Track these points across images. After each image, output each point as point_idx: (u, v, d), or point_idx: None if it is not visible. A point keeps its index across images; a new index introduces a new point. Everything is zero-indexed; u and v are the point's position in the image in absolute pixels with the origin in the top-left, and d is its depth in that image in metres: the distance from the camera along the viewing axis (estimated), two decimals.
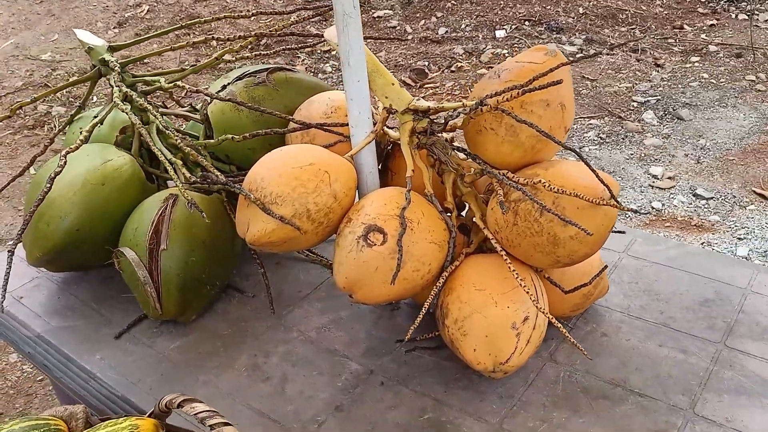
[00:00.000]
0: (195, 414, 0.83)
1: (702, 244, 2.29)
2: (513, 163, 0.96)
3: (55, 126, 3.33)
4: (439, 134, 0.99)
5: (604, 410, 0.93)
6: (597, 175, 0.85)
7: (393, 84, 1.01)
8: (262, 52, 1.25)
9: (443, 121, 0.98)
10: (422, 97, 3.10)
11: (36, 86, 3.86)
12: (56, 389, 1.43)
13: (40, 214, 1.10)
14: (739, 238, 2.35)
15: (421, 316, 0.93)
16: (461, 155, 0.98)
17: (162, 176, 1.21)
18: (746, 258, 2.23)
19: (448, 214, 1.00)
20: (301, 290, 1.20)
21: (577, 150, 0.85)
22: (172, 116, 1.26)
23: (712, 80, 3.22)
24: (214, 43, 1.04)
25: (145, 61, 3.73)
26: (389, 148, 1.11)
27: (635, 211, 0.88)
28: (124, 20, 4.37)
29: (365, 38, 1.07)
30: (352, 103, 1.00)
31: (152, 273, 1.06)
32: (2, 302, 0.95)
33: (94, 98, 3.41)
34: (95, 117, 1.15)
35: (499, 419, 0.93)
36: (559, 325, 0.88)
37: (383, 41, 3.09)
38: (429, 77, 3.19)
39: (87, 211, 1.10)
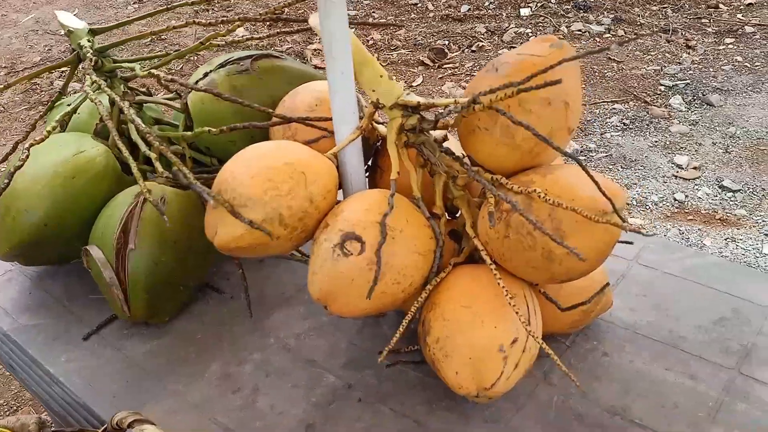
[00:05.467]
0: None
1: (726, 240, 2.17)
2: (509, 167, 0.87)
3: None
4: (429, 132, 0.90)
5: None
6: (598, 186, 0.76)
7: (382, 76, 0.92)
8: (255, 36, 1.16)
9: (434, 119, 0.89)
10: (440, 79, 2.99)
11: (53, 61, 3.81)
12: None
13: (6, 207, 1.04)
14: (766, 234, 2.22)
15: (398, 334, 0.85)
16: (451, 157, 0.89)
17: (143, 169, 1.13)
18: None
19: (437, 219, 0.91)
20: (285, 292, 1.13)
21: (577, 157, 0.76)
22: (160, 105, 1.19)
23: (747, 63, 3.05)
24: (195, 26, 0.96)
25: (162, 37, 3.65)
26: (378, 144, 1.02)
27: (638, 231, 0.78)
28: None
29: (357, 24, 0.98)
30: (336, 96, 0.91)
31: (119, 274, 0.99)
32: None
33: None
34: (69, 105, 1.08)
35: None
36: (551, 352, 0.80)
37: (384, 26, 2.98)
38: (448, 57, 3.07)
39: (56, 205, 1.03)
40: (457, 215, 0.96)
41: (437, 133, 0.94)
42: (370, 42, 3.24)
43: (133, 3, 4.23)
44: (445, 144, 0.93)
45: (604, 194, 0.75)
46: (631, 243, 0.99)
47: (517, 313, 0.80)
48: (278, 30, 1.14)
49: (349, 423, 0.90)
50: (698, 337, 0.99)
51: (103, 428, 0.84)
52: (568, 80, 0.83)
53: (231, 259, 1.11)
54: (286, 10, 1.02)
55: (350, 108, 0.91)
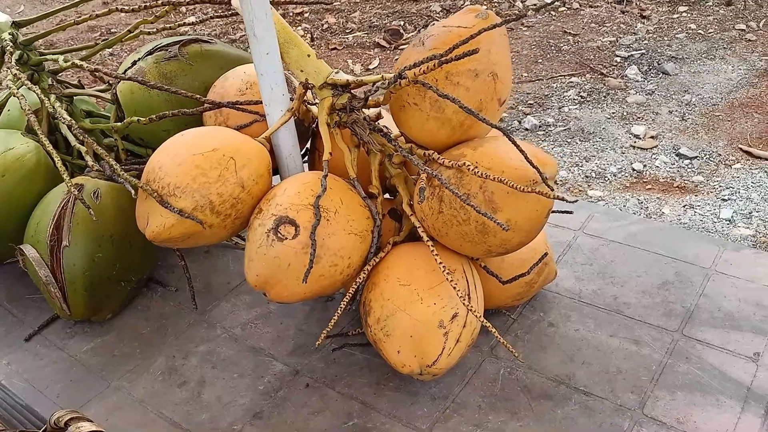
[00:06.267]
0: None
1: (684, 207, 2.19)
2: (441, 142, 0.86)
3: None
4: (360, 111, 0.89)
5: (544, 412, 0.85)
6: (526, 156, 0.75)
7: (309, 55, 0.90)
8: (186, 23, 1.13)
9: (364, 97, 0.88)
10: (396, 60, 2.96)
11: None
12: None
13: None
14: (723, 199, 2.25)
15: (336, 317, 0.84)
16: (381, 135, 0.87)
17: (76, 163, 1.11)
18: (729, 221, 2.13)
19: (374, 199, 0.90)
20: (230, 281, 1.11)
21: (503, 128, 0.75)
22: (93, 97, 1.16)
23: (700, 31, 3.07)
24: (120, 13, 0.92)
25: (113, 30, 3.57)
26: (315, 126, 1.00)
27: (563, 199, 0.78)
28: None
29: (278, 3, 0.96)
30: (263, 78, 0.89)
31: (55, 272, 0.97)
32: None
33: None
34: None
35: (430, 424, 0.85)
36: (489, 325, 0.79)
37: (320, 4, 2.94)
38: (404, 38, 3.04)
39: None
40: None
41: (372, 112, 0.93)
42: (325, 26, 3.20)
43: None
44: (380, 122, 0.92)
45: (531, 164, 0.75)
46: (570, 212, 0.99)
47: (455, 288, 0.80)
48: (211, 16, 1.11)
49: (297, 409, 0.89)
50: (642, 301, 0.99)
51: (42, 429, 0.82)
52: (495, 51, 0.82)
53: (175, 251, 1.09)
54: None
55: (279, 90, 0.89)
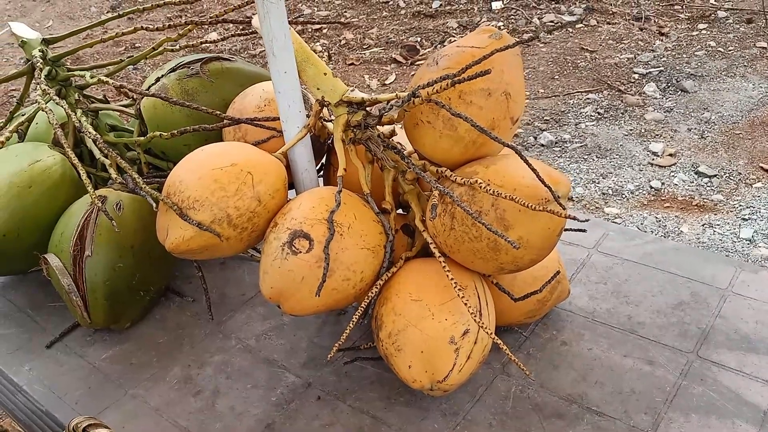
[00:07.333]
0: None
1: (703, 225, 2.18)
2: (454, 159, 0.87)
3: None
4: (374, 128, 0.90)
5: (556, 431, 0.85)
6: (537, 175, 0.76)
7: (325, 74, 0.92)
8: (208, 41, 1.16)
9: (378, 114, 0.89)
10: (413, 76, 2.99)
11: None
12: None
13: None
14: (743, 219, 2.23)
15: (348, 330, 0.85)
16: (394, 152, 0.89)
17: (100, 176, 1.13)
18: (750, 241, 2.12)
19: (387, 214, 0.92)
20: (245, 293, 1.13)
21: (515, 146, 0.76)
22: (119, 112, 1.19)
23: (720, 48, 3.06)
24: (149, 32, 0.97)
25: (136, 45, 3.64)
26: (330, 142, 1.02)
27: (574, 218, 0.78)
28: (117, 4, 4.28)
29: (298, 23, 0.98)
30: (281, 95, 0.91)
31: (77, 281, 0.99)
32: None
33: None
34: (23, 116, 1.08)
35: None
36: (500, 342, 0.80)
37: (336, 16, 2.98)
38: (421, 54, 3.07)
39: (13, 216, 1.03)
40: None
41: (385, 129, 0.95)
42: (343, 42, 3.24)
43: (107, 12, 4.21)
44: (394, 139, 0.93)
45: (543, 182, 0.76)
46: (584, 231, 1.00)
47: (466, 304, 0.80)
48: (232, 33, 1.14)
49: (308, 421, 0.90)
50: (657, 321, 0.99)
51: None
52: (508, 71, 0.84)
53: (192, 263, 1.11)
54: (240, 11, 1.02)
55: (296, 106, 0.91)
